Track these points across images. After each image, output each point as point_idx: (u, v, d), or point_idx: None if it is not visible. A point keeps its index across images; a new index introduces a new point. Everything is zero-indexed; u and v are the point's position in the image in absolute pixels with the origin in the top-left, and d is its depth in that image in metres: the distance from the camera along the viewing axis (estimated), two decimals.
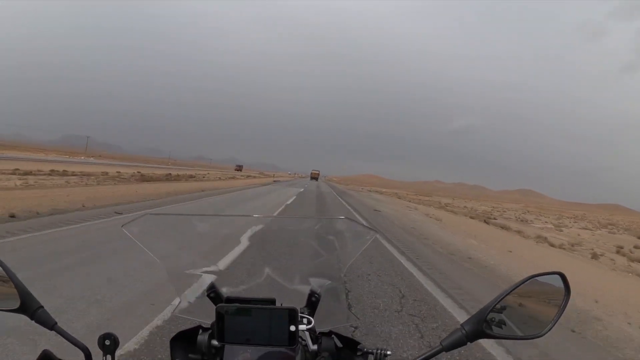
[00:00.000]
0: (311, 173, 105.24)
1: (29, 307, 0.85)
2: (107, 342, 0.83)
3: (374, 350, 0.90)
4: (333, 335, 1.05)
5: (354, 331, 3.56)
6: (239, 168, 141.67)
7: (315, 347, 1.01)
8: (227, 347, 0.96)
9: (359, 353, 0.92)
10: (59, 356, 0.85)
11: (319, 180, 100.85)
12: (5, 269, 0.84)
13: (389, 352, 0.89)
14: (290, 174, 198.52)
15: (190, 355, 1.03)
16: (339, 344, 1.04)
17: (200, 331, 1.03)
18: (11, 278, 0.84)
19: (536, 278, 0.81)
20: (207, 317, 1.05)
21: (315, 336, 1.04)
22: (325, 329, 1.06)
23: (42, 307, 0.86)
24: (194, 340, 1.02)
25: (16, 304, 0.84)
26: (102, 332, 0.85)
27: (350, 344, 1.05)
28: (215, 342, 0.99)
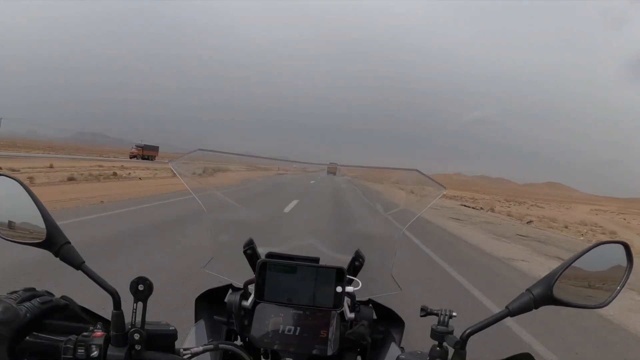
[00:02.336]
0: (328, 167, 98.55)
1: (55, 242, 0.77)
2: (141, 287, 0.74)
3: (439, 311, 0.85)
4: (371, 305, 1.02)
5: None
6: (140, 151, 65.03)
7: (352, 315, 0.97)
8: (259, 308, 0.92)
9: (422, 313, 0.86)
10: (80, 302, 0.80)
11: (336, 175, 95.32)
12: (34, 198, 0.78)
13: (454, 314, 0.84)
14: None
15: (215, 316, 0.99)
16: (375, 316, 1.00)
17: (230, 291, 0.98)
18: (39, 209, 0.78)
19: (601, 246, 0.81)
20: (239, 276, 1.00)
21: (354, 304, 0.99)
22: (363, 297, 1.02)
23: (69, 242, 0.79)
24: (221, 301, 0.97)
25: (41, 238, 0.77)
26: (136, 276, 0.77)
27: (389, 315, 1.02)
28: (245, 304, 0.94)
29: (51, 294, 0.80)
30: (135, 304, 0.75)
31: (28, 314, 0.72)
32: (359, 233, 1.20)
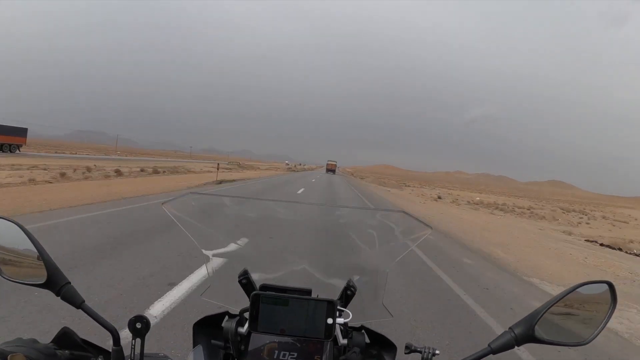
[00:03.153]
0: (327, 164, 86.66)
1: (55, 282, 0.83)
2: (139, 325, 0.81)
3: (422, 349, 0.89)
4: (363, 330, 1.05)
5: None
6: None
7: (345, 341, 1.00)
8: (254, 335, 0.96)
9: (406, 351, 0.90)
10: (82, 335, 0.85)
11: (335, 173, 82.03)
12: (34, 241, 0.83)
13: (437, 352, 0.88)
14: (286, 164, 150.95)
15: (213, 341, 1.02)
16: (368, 340, 1.04)
17: (227, 317, 1.02)
18: (39, 251, 0.83)
19: (585, 286, 0.84)
20: (235, 303, 1.06)
21: (346, 330, 1.03)
22: (356, 323, 1.06)
23: (69, 283, 0.84)
24: (218, 326, 1.01)
25: (43, 279, 0.83)
26: (134, 315, 0.83)
27: (381, 340, 1.05)
28: (241, 330, 0.98)
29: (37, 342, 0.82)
30: (133, 341, 0.81)
31: (63, 357, 0.79)
32: (352, 263, 1.25)
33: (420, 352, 0.88)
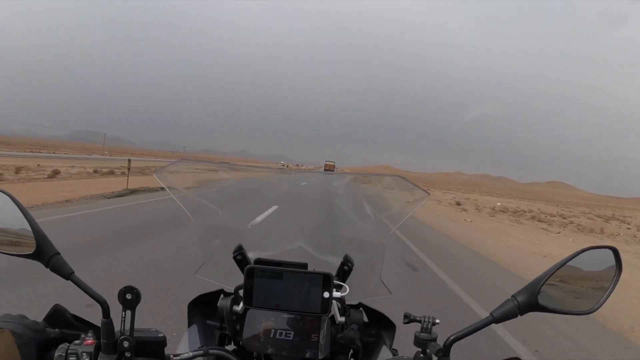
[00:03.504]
0: (325, 165, 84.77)
1: (44, 253, 0.80)
2: (129, 296, 0.78)
3: (421, 318, 0.87)
4: (361, 308, 1.05)
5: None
6: None
7: (342, 319, 0.99)
8: (250, 313, 0.94)
9: (405, 321, 0.88)
10: (73, 310, 0.84)
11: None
12: (23, 211, 0.81)
13: (437, 321, 0.86)
14: (282, 164, 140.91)
15: (208, 321, 1.02)
16: (366, 318, 1.04)
17: (222, 296, 1.01)
18: (28, 221, 0.80)
19: (588, 251, 0.80)
20: (230, 281, 1.04)
21: (344, 308, 1.02)
22: (354, 301, 1.05)
23: (58, 253, 0.82)
24: (213, 305, 1.00)
25: (31, 249, 0.80)
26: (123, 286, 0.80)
27: (380, 318, 1.05)
28: (237, 309, 0.97)
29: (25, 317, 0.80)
30: (124, 312, 0.78)
31: (52, 334, 0.79)
32: (348, 237, 1.24)
33: (419, 321, 0.86)
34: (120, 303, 0.78)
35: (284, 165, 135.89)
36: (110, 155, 59.38)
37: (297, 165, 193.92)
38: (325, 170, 77.45)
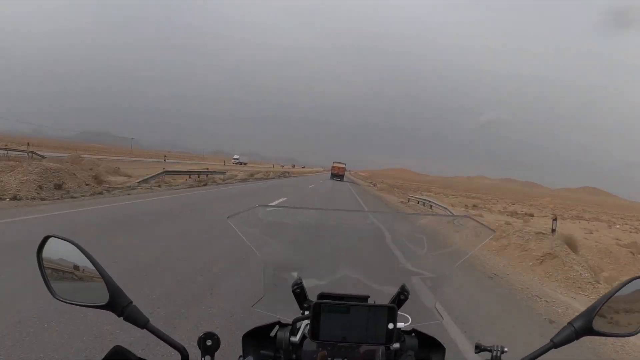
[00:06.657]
0: (332, 167, 55.98)
1: (118, 303, 0.82)
2: (209, 343, 0.82)
3: (491, 347, 0.92)
4: (414, 334, 1.08)
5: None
6: None
7: (397, 345, 1.02)
8: (307, 342, 1.00)
9: (476, 351, 0.94)
10: (137, 353, 0.84)
11: (343, 179, 55.48)
12: (94, 262, 0.82)
13: (506, 349, 0.91)
14: (234, 159, 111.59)
15: (262, 351, 1.05)
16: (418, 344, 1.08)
17: (278, 327, 1.05)
18: (99, 271, 0.82)
19: (636, 280, 0.89)
20: (287, 313, 1.08)
21: (398, 333, 1.05)
22: (407, 327, 1.09)
23: (131, 302, 0.83)
24: (267, 336, 1.05)
25: (104, 300, 0.82)
26: (203, 332, 0.83)
27: (432, 343, 1.08)
28: (294, 339, 1.01)
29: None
30: (202, 358, 0.82)
31: None
32: (406, 269, 1.27)
33: (489, 350, 0.92)
34: (200, 349, 0.82)
35: (283, 167, 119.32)
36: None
37: (294, 166, 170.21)
38: (333, 174, 54.81)
